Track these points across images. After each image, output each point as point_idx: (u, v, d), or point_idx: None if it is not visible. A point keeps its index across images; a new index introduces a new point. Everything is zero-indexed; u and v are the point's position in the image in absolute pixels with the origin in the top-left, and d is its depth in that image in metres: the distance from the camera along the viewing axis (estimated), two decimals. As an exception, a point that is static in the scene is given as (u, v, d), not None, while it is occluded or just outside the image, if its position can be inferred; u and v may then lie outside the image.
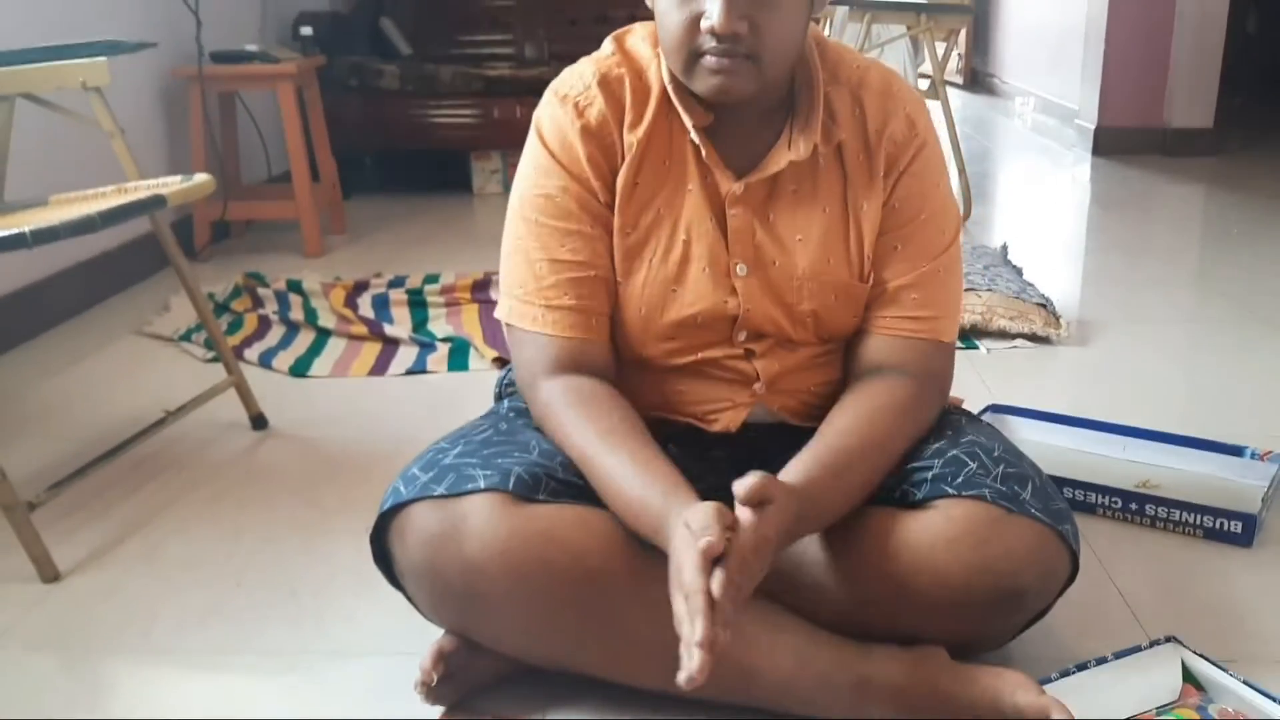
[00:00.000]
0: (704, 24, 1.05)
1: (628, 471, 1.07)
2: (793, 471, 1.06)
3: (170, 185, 1.65)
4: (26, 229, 1.36)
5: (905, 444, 1.16)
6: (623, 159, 1.16)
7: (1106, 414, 1.75)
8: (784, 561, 1.13)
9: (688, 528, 0.95)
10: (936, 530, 1.09)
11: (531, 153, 1.19)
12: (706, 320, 1.18)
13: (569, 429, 1.13)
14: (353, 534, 1.46)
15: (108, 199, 1.61)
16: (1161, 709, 1.08)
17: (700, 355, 1.20)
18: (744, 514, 0.97)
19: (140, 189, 1.66)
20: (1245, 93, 4.95)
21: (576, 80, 1.18)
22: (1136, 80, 4.29)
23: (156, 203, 1.55)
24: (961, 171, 3.29)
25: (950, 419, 1.23)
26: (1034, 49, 5.54)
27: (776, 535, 0.98)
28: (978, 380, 2.00)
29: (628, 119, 1.16)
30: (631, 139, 1.16)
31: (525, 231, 1.18)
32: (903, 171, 1.18)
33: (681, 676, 0.88)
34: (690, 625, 0.90)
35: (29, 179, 2.08)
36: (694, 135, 1.15)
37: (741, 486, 0.97)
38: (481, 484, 1.08)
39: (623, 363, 1.22)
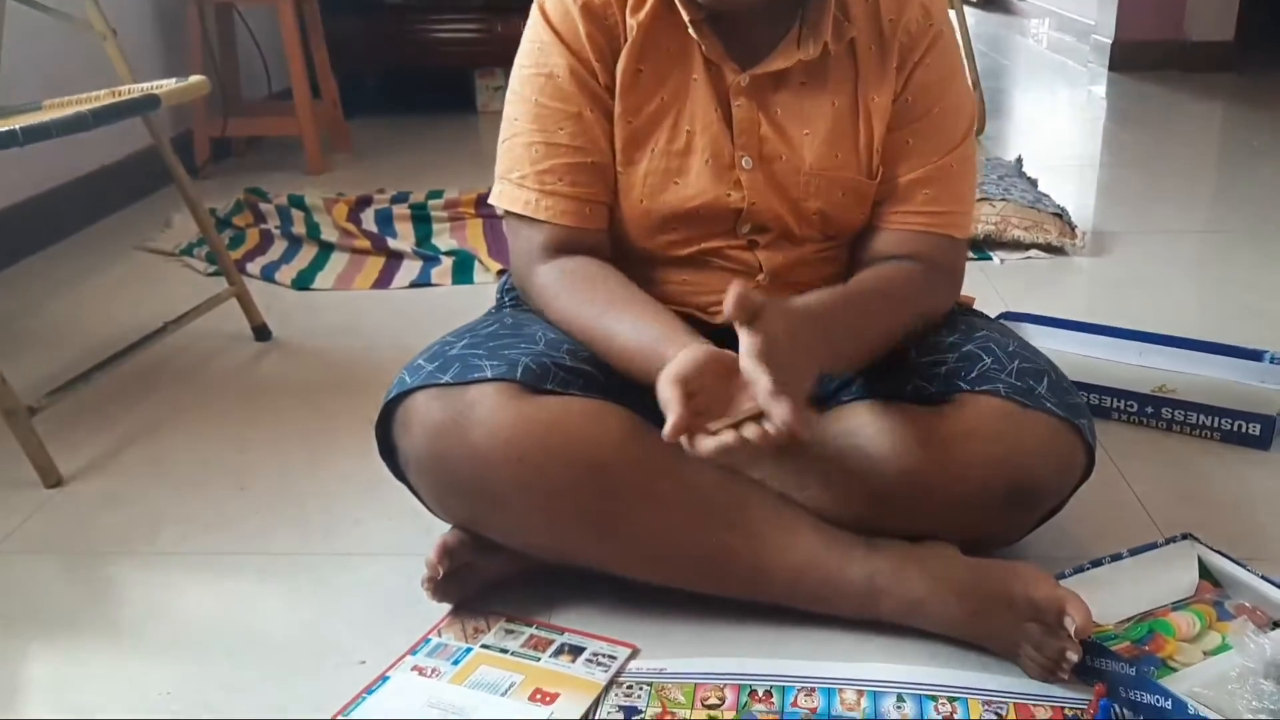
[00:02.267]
0: None
1: (631, 329, 1.06)
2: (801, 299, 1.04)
3: (164, 86, 1.61)
4: (17, 126, 1.32)
5: (915, 314, 1.14)
6: (624, 41, 1.12)
7: (1123, 324, 1.72)
8: (795, 459, 1.12)
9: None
10: (950, 426, 1.07)
11: (532, 30, 1.16)
12: (709, 213, 1.15)
13: (571, 308, 1.11)
14: (358, 442, 1.44)
15: (101, 101, 1.57)
16: (1178, 604, 1.07)
17: (702, 246, 1.17)
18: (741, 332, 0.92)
19: (134, 91, 1.62)
20: (1268, 10, 4.83)
21: None
22: (1156, -9, 4.19)
23: (150, 103, 1.51)
24: (975, 86, 3.22)
25: (963, 317, 1.21)
26: (1050, -36, 5.40)
27: (786, 329, 0.93)
28: (991, 291, 1.96)
29: (630, 1, 1.12)
30: (633, 22, 1.12)
31: (522, 113, 1.15)
32: (917, 63, 1.14)
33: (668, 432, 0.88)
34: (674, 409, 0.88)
35: (23, 87, 2.04)
36: (691, 30, 1.11)
37: (727, 303, 0.91)
38: (489, 374, 1.05)
39: (622, 254, 1.20)
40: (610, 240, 1.18)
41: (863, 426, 1.09)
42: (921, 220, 1.16)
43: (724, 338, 1.21)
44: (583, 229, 1.14)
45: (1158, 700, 0.93)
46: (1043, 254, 2.21)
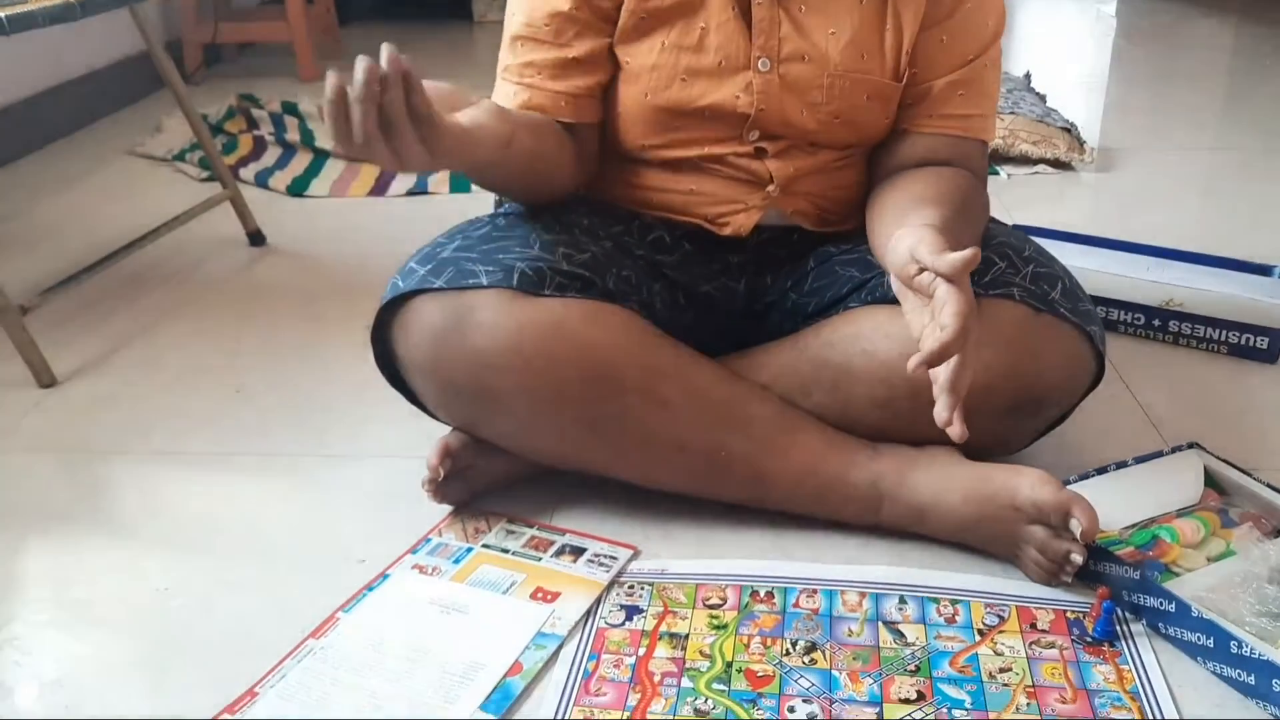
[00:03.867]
0: None
1: None
2: (929, 218, 0.98)
3: (154, -22, 1.55)
4: (3, 15, 1.28)
5: (983, 222, 1.12)
6: None
7: (1131, 239, 1.69)
8: (801, 363, 1.11)
9: None
10: (960, 330, 1.05)
11: None
12: (714, 114, 1.11)
13: None
14: (354, 347, 1.42)
15: (89, -8, 1.52)
16: (1182, 511, 1.06)
17: (706, 150, 1.14)
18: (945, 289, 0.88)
19: (123, -17, 1.56)
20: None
21: None
22: (1170, -94, 4.08)
23: (139, -7, 1.46)
24: None
25: (978, 222, 1.18)
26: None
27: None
28: (999, 206, 1.91)
29: None
30: None
31: (517, 8, 1.13)
32: None
33: None
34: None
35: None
36: None
37: (949, 264, 0.87)
38: (484, 280, 1.03)
39: (627, 159, 1.17)
40: (596, 139, 1.16)
41: (871, 331, 1.07)
42: (956, 124, 1.13)
43: (732, 249, 1.19)
44: (554, 122, 1.12)
45: (1161, 604, 0.93)
46: (1050, 169, 2.18)
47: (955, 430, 0.88)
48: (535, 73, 1.12)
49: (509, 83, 1.13)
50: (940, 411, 0.88)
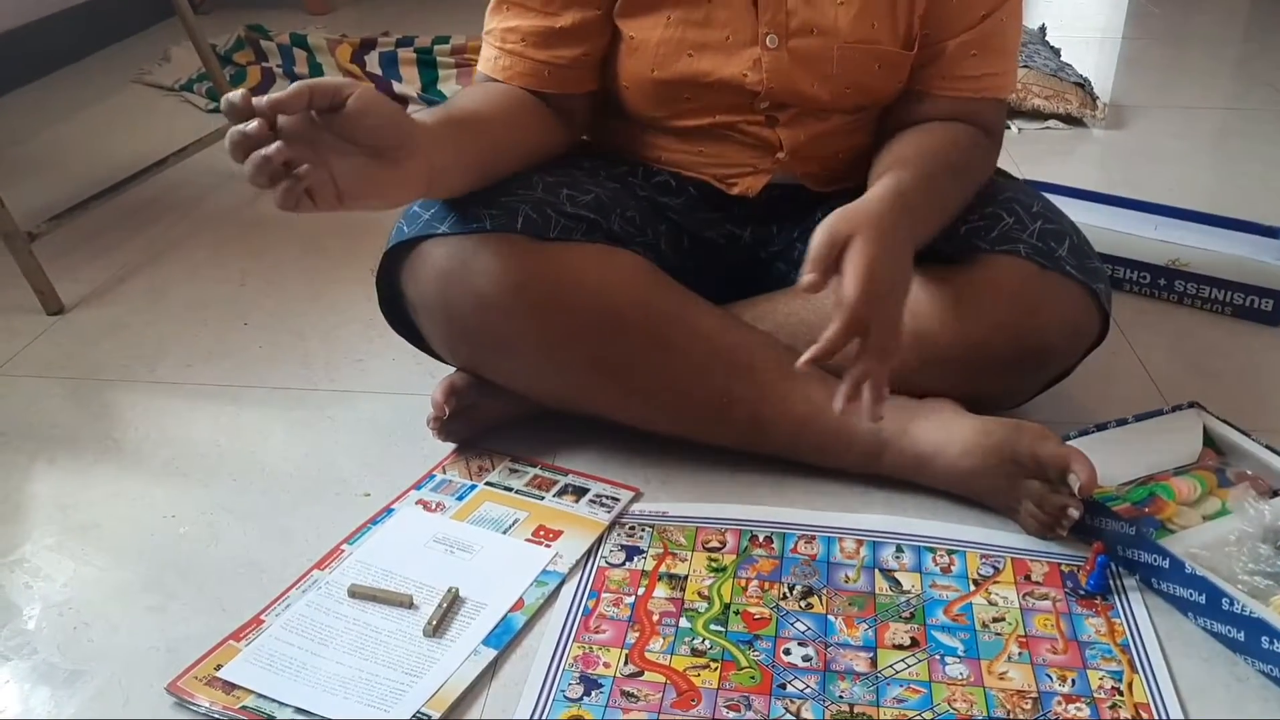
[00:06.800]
0: None
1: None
2: (882, 180, 0.99)
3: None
4: (11, -64, 1.27)
5: (976, 184, 1.10)
6: None
7: (1139, 197, 1.68)
8: (807, 312, 1.11)
9: None
10: (968, 286, 1.05)
11: None
12: (723, 88, 1.10)
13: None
14: (361, 283, 1.43)
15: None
16: (1180, 470, 1.07)
17: (716, 118, 1.13)
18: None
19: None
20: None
21: None
22: None
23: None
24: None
25: (990, 178, 1.18)
26: None
27: (882, 245, 0.90)
28: (1008, 160, 1.92)
29: None
30: None
31: None
32: None
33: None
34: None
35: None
36: None
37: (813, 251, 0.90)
38: (488, 225, 1.02)
39: (635, 121, 1.16)
40: (584, 109, 1.14)
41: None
42: (970, 85, 1.11)
43: (741, 207, 1.19)
44: (535, 91, 1.10)
45: (1155, 559, 0.94)
46: (1061, 125, 2.16)
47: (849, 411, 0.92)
48: (519, 39, 1.08)
49: (491, 46, 1.10)
50: (836, 399, 0.93)
